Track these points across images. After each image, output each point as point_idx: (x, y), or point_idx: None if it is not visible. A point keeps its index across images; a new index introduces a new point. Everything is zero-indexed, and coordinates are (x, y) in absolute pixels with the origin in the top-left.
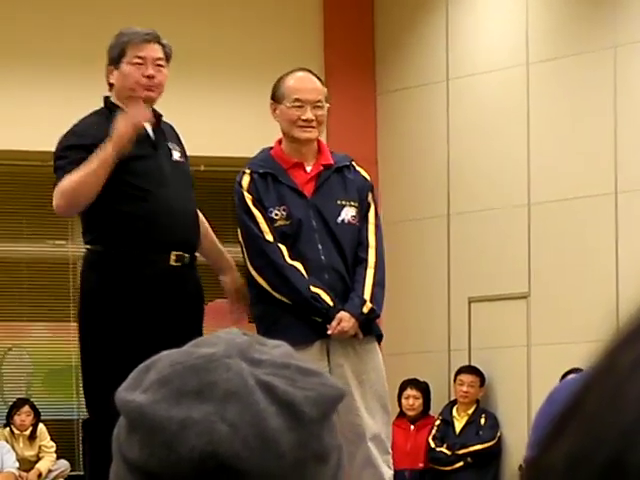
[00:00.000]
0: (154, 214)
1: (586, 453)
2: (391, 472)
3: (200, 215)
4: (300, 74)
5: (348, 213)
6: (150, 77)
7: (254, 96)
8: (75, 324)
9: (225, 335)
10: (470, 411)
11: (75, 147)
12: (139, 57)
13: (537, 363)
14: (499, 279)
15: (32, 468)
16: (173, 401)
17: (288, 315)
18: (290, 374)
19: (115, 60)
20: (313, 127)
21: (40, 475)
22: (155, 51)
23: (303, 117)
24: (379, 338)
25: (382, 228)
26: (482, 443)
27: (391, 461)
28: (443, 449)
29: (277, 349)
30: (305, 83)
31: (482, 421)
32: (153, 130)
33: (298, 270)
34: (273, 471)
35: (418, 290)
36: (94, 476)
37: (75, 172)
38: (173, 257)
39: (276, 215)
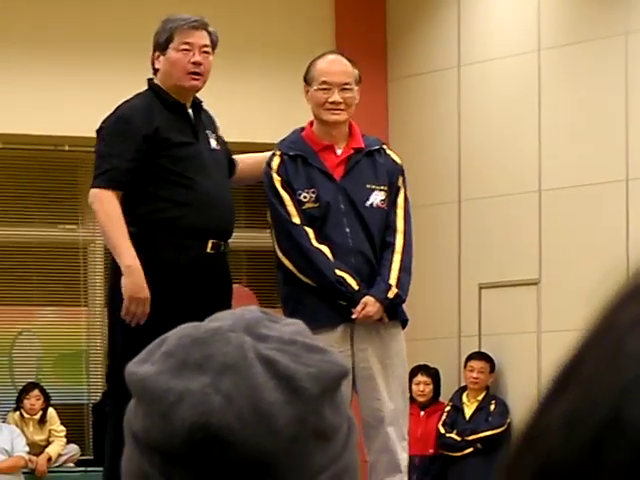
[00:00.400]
0: (193, 201)
1: (584, 411)
2: (407, 458)
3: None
4: (330, 57)
5: (377, 197)
6: (197, 64)
7: (265, 82)
8: (85, 308)
9: (238, 311)
10: (480, 397)
11: (120, 135)
12: (186, 43)
13: (547, 350)
14: (510, 265)
15: (42, 452)
16: (175, 373)
17: (313, 297)
18: (295, 350)
19: (162, 46)
20: (341, 109)
21: (50, 459)
22: (202, 38)
23: (330, 100)
24: (404, 323)
25: (411, 212)
26: (492, 429)
27: (407, 447)
28: (453, 435)
29: (288, 327)
30: (333, 66)
31: (492, 407)
32: (194, 117)
33: (324, 253)
34: (267, 445)
35: (429, 276)
36: (114, 456)
37: (113, 222)
38: (210, 245)
39: (305, 198)
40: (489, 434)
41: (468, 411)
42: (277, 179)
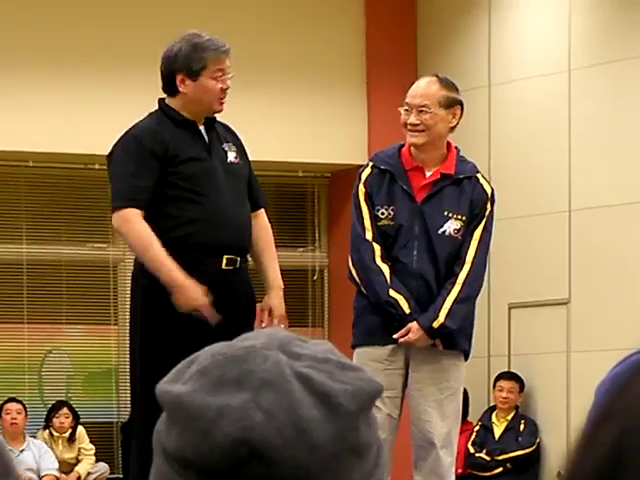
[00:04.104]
0: (205, 217)
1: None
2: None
3: (265, 223)
4: (422, 79)
5: (451, 226)
6: (225, 89)
7: (290, 98)
8: (115, 327)
9: (268, 331)
10: (509, 417)
11: (134, 155)
12: (219, 70)
13: (576, 369)
14: (539, 285)
15: (71, 471)
16: (212, 390)
17: (373, 312)
18: (329, 368)
19: (194, 72)
20: (419, 131)
21: (79, 478)
22: (228, 62)
23: (408, 121)
24: (465, 355)
25: (489, 243)
26: (521, 449)
27: (453, 469)
28: (482, 455)
29: (318, 346)
30: (415, 88)
31: (521, 427)
32: (207, 132)
33: (382, 273)
34: (306, 462)
35: None
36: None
37: (145, 241)
38: (225, 261)
39: (382, 214)
40: (519, 454)
41: (498, 431)
42: (362, 190)
